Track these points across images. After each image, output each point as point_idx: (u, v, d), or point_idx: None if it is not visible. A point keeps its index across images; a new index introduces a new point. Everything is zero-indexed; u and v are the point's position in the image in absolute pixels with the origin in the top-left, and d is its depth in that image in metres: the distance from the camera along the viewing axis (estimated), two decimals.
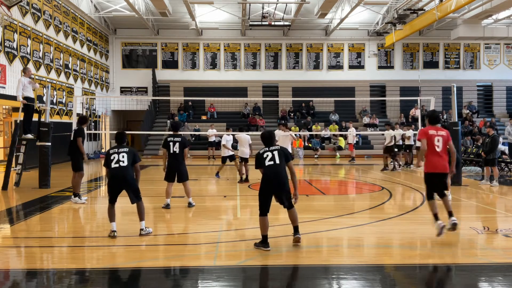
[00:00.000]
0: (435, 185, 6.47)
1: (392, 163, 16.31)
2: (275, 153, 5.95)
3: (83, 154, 9.45)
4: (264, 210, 5.84)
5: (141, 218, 6.69)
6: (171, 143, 8.74)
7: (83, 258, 5.64)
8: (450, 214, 6.31)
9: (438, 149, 6.32)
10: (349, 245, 6.32)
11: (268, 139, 6.15)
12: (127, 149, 6.80)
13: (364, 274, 5.01)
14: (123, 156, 6.65)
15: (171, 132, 9.18)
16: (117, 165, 6.57)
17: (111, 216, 6.57)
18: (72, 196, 9.58)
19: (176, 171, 8.74)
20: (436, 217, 6.29)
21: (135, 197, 6.67)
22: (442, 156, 6.37)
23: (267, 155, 5.94)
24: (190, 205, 8.91)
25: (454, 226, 6.22)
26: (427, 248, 6.11)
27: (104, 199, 10.63)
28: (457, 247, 6.09)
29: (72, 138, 9.51)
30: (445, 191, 6.49)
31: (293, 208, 5.92)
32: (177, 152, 8.67)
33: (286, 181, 5.87)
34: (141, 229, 6.63)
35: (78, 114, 15.65)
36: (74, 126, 9.98)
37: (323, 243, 6.26)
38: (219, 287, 4.71)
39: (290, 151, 9.41)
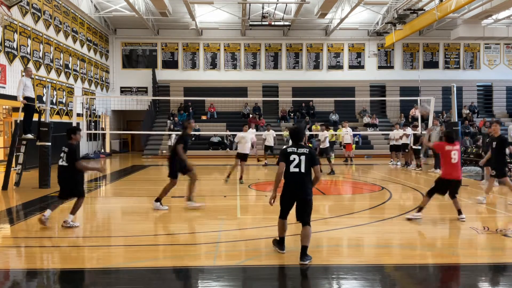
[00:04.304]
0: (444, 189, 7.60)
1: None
2: (303, 158, 5.40)
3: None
4: (283, 214, 5.57)
5: (72, 212, 7.13)
6: None
7: (83, 258, 5.64)
8: (460, 212, 7.54)
9: (454, 161, 7.46)
10: (349, 245, 6.32)
11: (296, 135, 5.69)
12: (67, 148, 7.07)
13: (364, 274, 5.01)
14: (63, 156, 7.09)
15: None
16: (60, 164, 7.10)
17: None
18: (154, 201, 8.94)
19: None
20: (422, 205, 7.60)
21: (74, 195, 7.20)
22: (458, 166, 7.51)
23: (294, 159, 5.40)
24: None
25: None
26: (427, 248, 6.12)
27: (104, 199, 10.65)
28: (457, 247, 6.10)
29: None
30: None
31: (309, 226, 5.40)
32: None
33: (310, 192, 5.45)
34: (65, 221, 7.01)
35: (78, 114, 15.63)
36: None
37: (323, 243, 6.26)
38: (219, 287, 4.71)
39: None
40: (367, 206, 9.26)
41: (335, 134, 21.15)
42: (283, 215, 5.57)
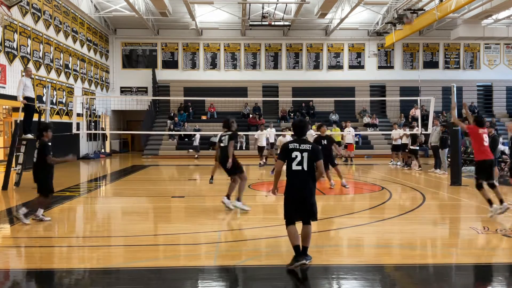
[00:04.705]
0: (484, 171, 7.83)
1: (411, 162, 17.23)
2: (305, 155, 5.05)
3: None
4: (290, 218, 5.13)
5: (28, 206, 7.52)
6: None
7: (83, 258, 5.64)
8: (502, 201, 7.56)
9: (486, 144, 7.89)
10: (349, 245, 6.31)
11: (301, 129, 5.28)
12: (39, 144, 7.47)
13: (364, 274, 5.01)
14: (36, 153, 7.44)
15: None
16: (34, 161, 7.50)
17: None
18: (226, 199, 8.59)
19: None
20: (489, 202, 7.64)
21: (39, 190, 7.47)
22: (488, 148, 7.97)
23: (296, 156, 5.06)
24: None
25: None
26: (427, 248, 6.12)
27: (104, 199, 10.64)
28: (457, 247, 6.10)
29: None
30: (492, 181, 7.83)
31: (310, 225, 5.14)
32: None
33: (314, 191, 5.14)
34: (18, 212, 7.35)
35: (78, 114, 15.56)
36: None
37: (323, 243, 6.26)
38: (219, 287, 4.71)
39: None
40: (367, 206, 9.26)
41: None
42: (291, 220, 5.13)
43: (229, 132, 8.41)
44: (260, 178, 14.32)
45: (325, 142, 11.10)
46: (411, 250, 5.94)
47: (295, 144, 5.14)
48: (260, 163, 18.05)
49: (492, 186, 7.78)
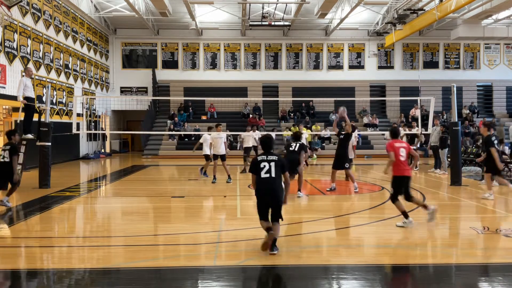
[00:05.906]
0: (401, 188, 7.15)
1: None
2: (272, 164, 5.71)
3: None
4: (261, 215, 5.77)
5: (8, 194, 8.87)
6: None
7: (83, 258, 5.64)
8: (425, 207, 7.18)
9: (402, 159, 7.04)
10: (349, 245, 6.31)
11: (267, 144, 5.95)
12: (9, 146, 8.59)
13: (364, 274, 5.01)
14: (4, 153, 8.55)
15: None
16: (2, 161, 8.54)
17: None
18: None
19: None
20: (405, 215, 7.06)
21: (12, 183, 8.72)
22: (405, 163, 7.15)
23: (264, 166, 5.70)
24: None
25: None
26: (427, 248, 6.12)
27: (104, 199, 10.64)
28: (457, 247, 6.10)
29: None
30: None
31: (278, 223, 5.70)
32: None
33: (281, 194, 5.72)
34: (1, 200, 8.65)
35: (78, 114, 15.51)
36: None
37: (323, 243, 6.26)
38: (219, 287, 4.71)
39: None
40: (367, 206, 9.25)
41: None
42: (263, 217, 5.76)
43: (299, 143, 9.95)
44: None
45: (341, 137, 11.31)
46: (411, 250, 5.94)
47: (263, 156, 5.83)
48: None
49: (409, 199, 7.12)
